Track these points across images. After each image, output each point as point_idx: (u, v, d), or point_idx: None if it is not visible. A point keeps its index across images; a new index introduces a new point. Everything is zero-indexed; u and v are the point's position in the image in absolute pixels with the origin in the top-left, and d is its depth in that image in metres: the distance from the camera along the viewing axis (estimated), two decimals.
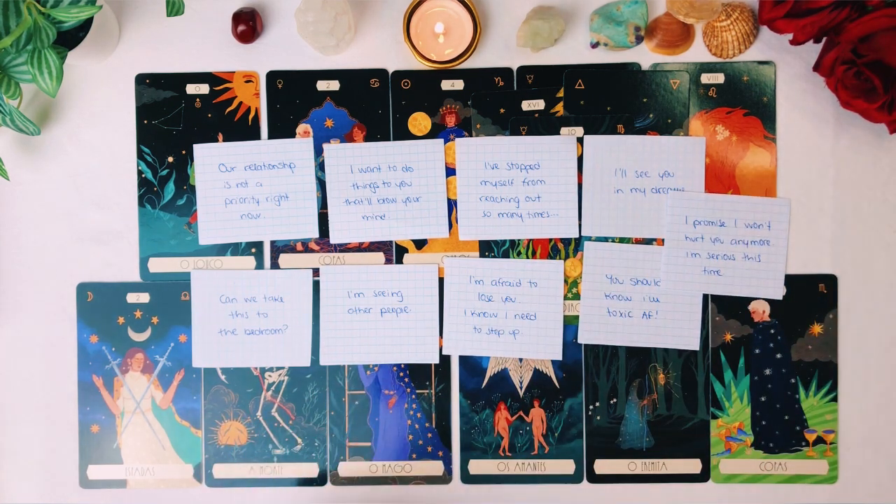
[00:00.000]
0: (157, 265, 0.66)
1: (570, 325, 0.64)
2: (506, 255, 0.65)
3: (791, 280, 0.64)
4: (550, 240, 0.64)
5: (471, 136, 0.65)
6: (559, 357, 0.64)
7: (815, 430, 0.64)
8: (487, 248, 0.65)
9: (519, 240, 0.65)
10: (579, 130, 0.64)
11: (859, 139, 0.64)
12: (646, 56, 0.65)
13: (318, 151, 0.65)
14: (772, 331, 0.64)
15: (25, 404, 0.66)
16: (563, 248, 0.64)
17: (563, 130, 0.64)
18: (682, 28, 0.64)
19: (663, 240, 0.64)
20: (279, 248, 0.65)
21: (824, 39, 0.62)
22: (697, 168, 0.64)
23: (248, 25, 0.64)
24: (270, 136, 0.66)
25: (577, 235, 0.64)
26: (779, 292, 0.64)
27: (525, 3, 0.65)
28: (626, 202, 0.64)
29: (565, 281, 0.64)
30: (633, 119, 0.64)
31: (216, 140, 0.65)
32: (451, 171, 0.65)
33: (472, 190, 0.64)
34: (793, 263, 0.64)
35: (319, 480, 0.65)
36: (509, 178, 0.64)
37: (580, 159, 0.64)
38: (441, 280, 0.65)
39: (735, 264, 0.63)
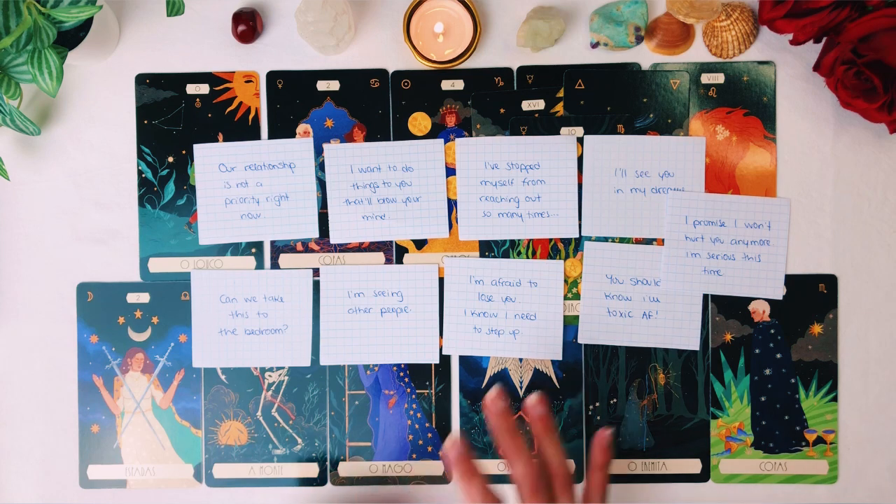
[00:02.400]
0: (157, 265, 0.66)
1: (571, 325, 0.64)
2: (506, 256, 0.65)
3: (791, 280, 0.64)
4: (550, 240, 0.64)
5: (471, 136, 0.65)
6: (559, 357, 0.64)
7: (815, 430, 0.64)
8: (488, 248, 0.65)
9: (519, 240, 0.65)
10: (579, 130, 0.64)
11: (859, 139, 0.64)
12: (646, 56, 0.65)
13: (318, 151, 0.65)
14: (772, 331, 0.64)
15: (25, 404, 0.66)
16: (564, 248, 0.64)
17: (563, 130, 0.64)
18: (682, 28, 0.64)
19: (663, 240, 0.64)
20: (279, 248, 0.65)
21: (824, 39, 0.62)
22: (697, 168, 0.64)
23: (248, 25, 0.64)
24: (270, 136, 0.66)
25: (577, 235, 0.64)
26: (778, 292, 0.64)
27: (525, 3, 0.65)
28: (626, 202, 0.64)
29: (565, 281, 0.64)
30: (633, 119, 0.64)
31: (216, 140, 0.65)
32: (451, 171, 0.65)
33: (472, 190, 0.64)
34: (793, 263, 0.64)
35: (319, 480, 0.65)
36: (509, 178, 0.64)
37: (580, 159, 0.64)
38: (441, 280, 0.65)
39: (735, 264, 0.63)
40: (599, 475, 0.56)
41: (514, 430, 0.54)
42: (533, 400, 0.54)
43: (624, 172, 0.64)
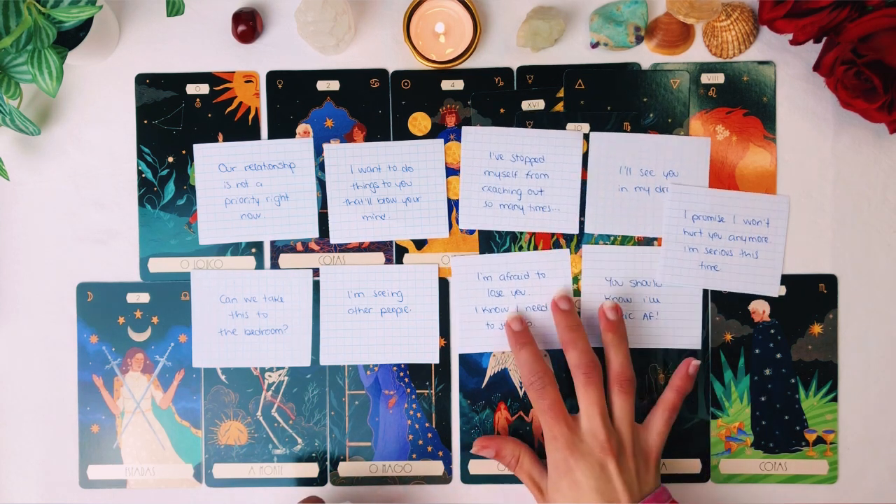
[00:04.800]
0: (157, 265, 0.66)
1: None
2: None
3: (791, 280, 0.64)
4: (553, 236, 0.64)
5: None
6: None
7: (815, 430, 0.64)
8: (488, 248, 0.65)
9: (520, 238, 0.65)
10: (585, 127, 0.64)
11: (859, 139, 0.64)
12: (646, 56, 0.65)
13: (318, 151, 0.65)
14: (772, 331, 0.64)
15: (25, 404, 0.66)
16: (566, 245, 0.64)
17: (570, 126, 0.64)
18: (682, 28, 0.64)
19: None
20: (279, 248, 0.65)
21: (824, 39, 0.62)
22: (702, 168, 0.64)
23: (248, 25, 0.64)
24: (270, 136, 0.66)
25: (577, 231, 0.64)
26: (774, 290, 0.64)
27: (525, 3, 0.65)
28: (630, 200, 0.64)
29: None
30: (639, 117, 0.64)
31: (216, 140, 0.65)
32: (451, 171, 0.65)
33: (476, 179, 0.64)
34: (793, 263, 0.64)
35: (319, 480, 0.65)
36: (513, 170, 0.64)
37: (585, 156, 0.64)
38: (441, 280, 0.65)
39: (732, 260, 0.64)
40: (671, 395, 0.61)
41: (577, 325, 0.61)
42: (608, 305, 0.61)
43: (629, 171, 0.64)
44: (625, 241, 0.64)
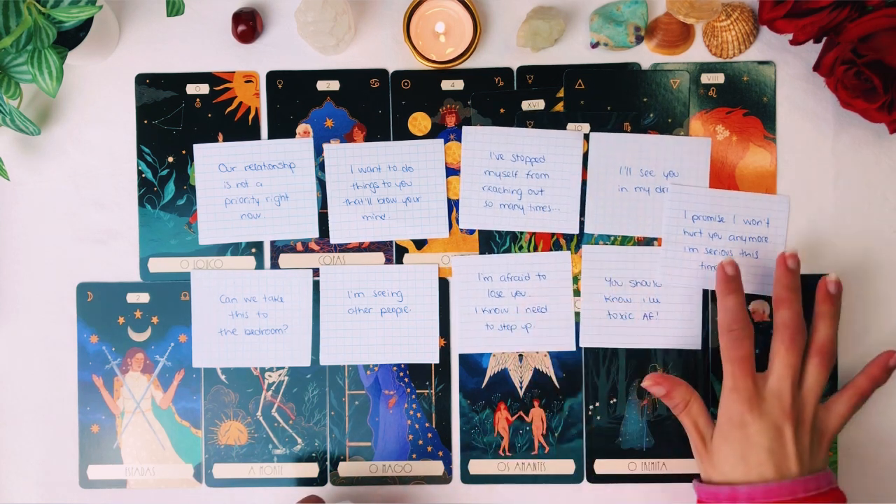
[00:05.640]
0: (157, 265, 0.66)
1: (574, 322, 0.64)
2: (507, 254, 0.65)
3: None
4: (553, 236, 0.64)
5: None
6: (573, 348, 0.64)
7: None
8: (488, 248, 0.65)
9: (520, 238, 0.65)
10: (586, 127, 0.64)
11: (859, 139, 0.64)
12: (646, 56, 0.65)
13: (318, 151, 0.65)
14: (772, 330, 0.64)
15: (25, 404, 0.66)
16: (566, 245, 0.64)
17: (570, 126, 0.64)
18: (682, 28, 0.64)
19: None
20: (279, 248, 0.65)
21: (824, 39, 0.62)
22: (702, 168, 0.64)
23: (248, 25, 0.64)
24: (270, 136, 0.66)
25: (577, 231, 0.64)
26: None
27: (525, 3, 0.65)
28: (630, 201, 0.64)
29: None
30: (639, 117, 0.64)
31: (216, 140, 0.65)
32: (451, 171, 0.65)
33: (476, 179, 0.64)
34: None
35: (319, 480, 0.65)
36: (514, 170, 0.64)
37: (585, 156, 0.64)
38: (441, 280, 0.65)
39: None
40: (863, 381, 0.60)
41: (797, 288, 0.59)
42: (832, 278, 0.60)
43: (629, 171, 0.64)
44: (625, 241, 0.64)
